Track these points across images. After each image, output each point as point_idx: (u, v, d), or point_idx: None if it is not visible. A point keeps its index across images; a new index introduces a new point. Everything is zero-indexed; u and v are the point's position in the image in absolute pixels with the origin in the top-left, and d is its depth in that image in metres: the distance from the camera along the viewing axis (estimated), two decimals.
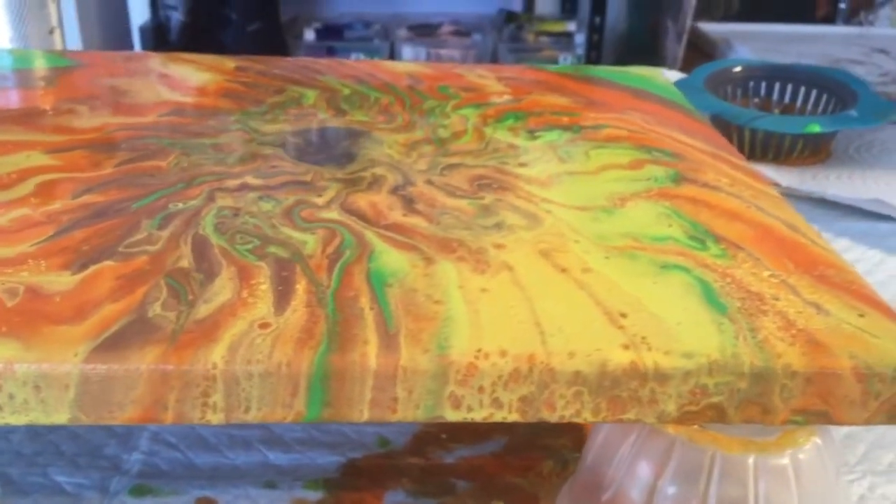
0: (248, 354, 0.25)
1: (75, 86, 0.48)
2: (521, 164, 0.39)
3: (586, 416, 0.25)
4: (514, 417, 0.25)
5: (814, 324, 0.27)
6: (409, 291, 0.28)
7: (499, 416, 0.25)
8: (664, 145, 0.42)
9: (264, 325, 0.26)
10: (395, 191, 0.36)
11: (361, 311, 0.27)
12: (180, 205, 0.34)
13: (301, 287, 0.28)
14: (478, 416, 0.25)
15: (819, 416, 0.26)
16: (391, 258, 0.30)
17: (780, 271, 0.30)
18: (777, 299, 0.28)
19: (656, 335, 0.26)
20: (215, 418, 0.25)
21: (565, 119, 0.45)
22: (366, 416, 0.25)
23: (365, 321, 0.26)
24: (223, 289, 0.28)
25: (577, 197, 0.36)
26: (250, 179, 0.36)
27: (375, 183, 0.36)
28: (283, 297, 0.27)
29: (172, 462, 0.33)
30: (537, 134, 0.43)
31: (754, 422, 0.26)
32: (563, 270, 0.30)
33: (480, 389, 0.25)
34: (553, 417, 0.25)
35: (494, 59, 1.70)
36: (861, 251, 0.57)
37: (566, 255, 0.31)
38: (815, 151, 0.69)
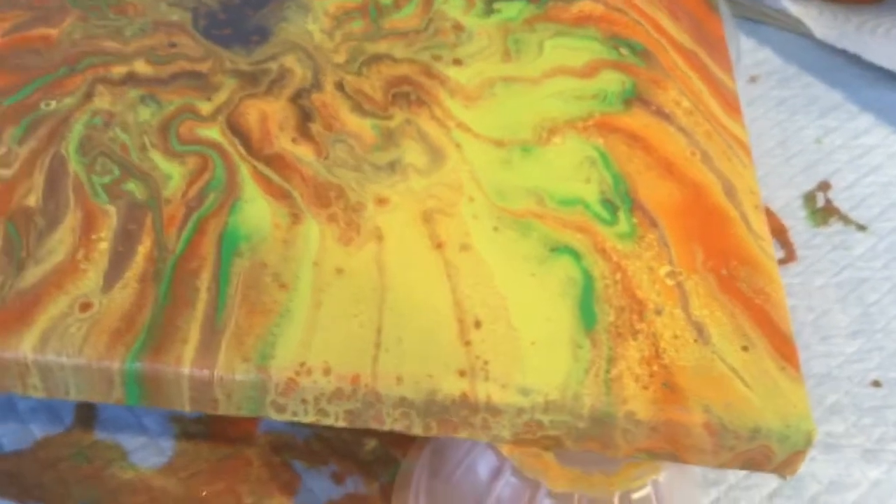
0: (59, 347, 0.23)
1: None
2: (456, 62, 0.34)
3: (417, 431, 0.24)
4: (342, 424, 0.24)
5: (683, 357, 0.24)
6: (257, 266, 0.26)
7: (327, 422, 0.24)
8: (638, 36, 0.36)
9: (85, 307, 0.24)
10: (296, 97, 0.32)
11: (196, 294, 0.25)
12: (53, 104, 0.31)
13: (143, 249, 0.26)
14: (304, 419, 0.24)
15: (666, 456, 0.24)
16: (255, 210, 0.28)
17: (683, 267, 0.27)
18: (659, 313, 0.26)
19: (501, 359, 0.24)
20: (38, 394, 0.25)
21: None
22: (188, 409, 0.24)
23: (194, 310, 0.25)
24: (60, 244, 0.26)
25: (501, 122, 0.32)
26: (140, 66, 0.33)
27: (279, 82, 0.32)
28: (118, 262, 0.26)
29: None
30: (496, 6, 0.37)
31: (594, 452, 0.24)
32: (439, 246, 0.27)
33: (304, 401, 0.24)
34: (383, 428, 0.24)
35: None
36: (883, 134, 0.50)
37: (451, 220, 0.28)
38: None
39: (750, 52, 0.54)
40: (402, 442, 0.32)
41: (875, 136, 0.50)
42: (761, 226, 0.29)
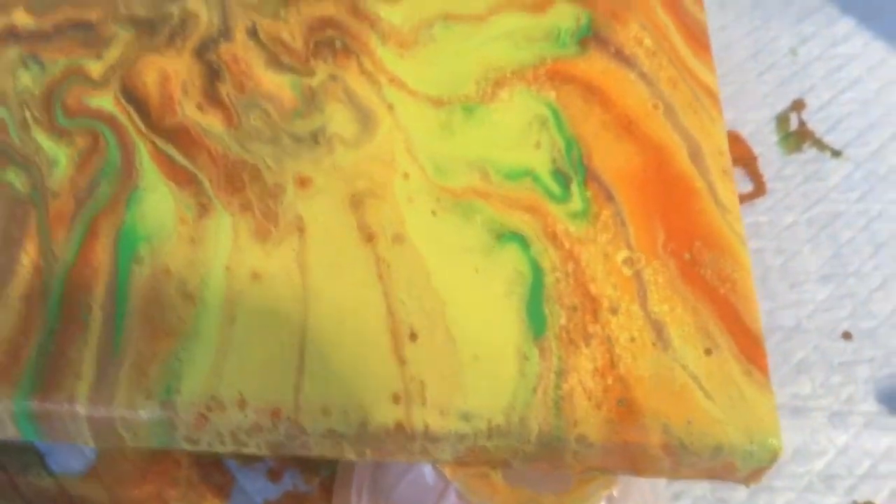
0: None
1: None
2: None
3: (349, 458, 0.22)
4: (264, 453, 0.22)
5: (640, 365, 0.22)
6: (159, 275, 0.23)
7: (247, 451, 0.22)
8: None
9: None
10: (202, 51, 0.28)
11: (89, 313, 0.22)
12: None
13: (28, 259, 0.23)
14: (222, 450, 0.22)
15: (621, 471, 0.22)
16: (157, 202, 0.24)
17: (642, 251, 0.24)
18: (615, 312, 0.23)
19: (439, 380, 0.21)
20: None
21: None
22: (93, 445, 0.22)
23: (88, 334, 0.21)
24: None
25: (440, 74, 0.28)
26: (20, 17, 0.28)
27: (181, 31, 0.28)
28: (1, 277, 0.22)
29: None
30: None
31: (543, 470, 0.22)
32: (370, 239, 0.24)
33: (219, 434, 0.21)
34: (312, 454, 0.22)
35: None
36: (863, 41, 0.46)
37: (383, 205, 0.24)
38: None
39: None
40: None
41: (854, 44, 0.46)
42: (730, 196, 0.26)
